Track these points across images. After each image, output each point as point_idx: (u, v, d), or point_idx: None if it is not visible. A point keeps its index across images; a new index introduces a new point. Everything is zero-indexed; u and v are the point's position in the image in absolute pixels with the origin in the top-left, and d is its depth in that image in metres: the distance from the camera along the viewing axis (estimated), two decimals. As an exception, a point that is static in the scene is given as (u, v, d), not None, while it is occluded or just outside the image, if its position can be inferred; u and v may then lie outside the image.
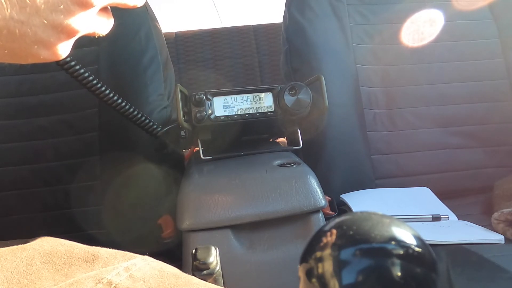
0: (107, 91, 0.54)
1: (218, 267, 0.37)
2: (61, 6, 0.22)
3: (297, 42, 0.82)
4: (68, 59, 0.50)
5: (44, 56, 0.24)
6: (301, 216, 0.49)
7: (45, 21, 0.22)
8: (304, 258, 0.20)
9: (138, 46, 0.70)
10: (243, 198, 0.48)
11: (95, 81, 0.53)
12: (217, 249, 0.38)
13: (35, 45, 0.23)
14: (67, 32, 0.23)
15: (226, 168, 0.56)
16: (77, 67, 0.51)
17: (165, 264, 0.33)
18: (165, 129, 0.60)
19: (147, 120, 0.59)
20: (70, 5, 0.22)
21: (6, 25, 0.21)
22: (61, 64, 0.49)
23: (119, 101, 0.56)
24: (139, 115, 0.58)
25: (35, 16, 0.21)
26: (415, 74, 0.84)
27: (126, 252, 0.34)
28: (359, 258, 0.18)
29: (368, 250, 0.18)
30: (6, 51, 0.23)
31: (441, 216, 0.67)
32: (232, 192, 0.49)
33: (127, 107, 0.57)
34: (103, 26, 0.26)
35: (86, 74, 0.52)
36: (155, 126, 0.60)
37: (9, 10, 0.21)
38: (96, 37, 0.27)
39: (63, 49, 0.24)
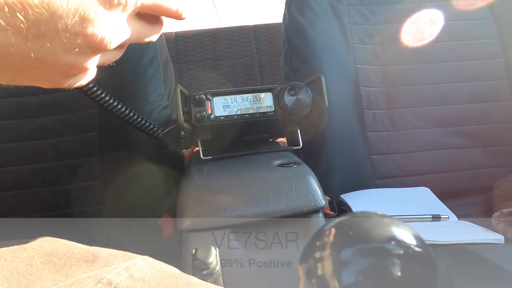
0: (103, 95, 0.54)
1: (218, 267, 0.37)
2: (76, 50, 0.22)
3: (297, 42, 0.82)
4: None
5: (47, 84, 0.25)
6: (301, 216, 0.49)
7: (58, 60, 0.23)
8: (304, 258, 0.20)
9: (138, 46, 0.70)
10: (243, 198, 0.48)
11: (90, 85, 0.52)
12: (217, 249, 0.38)
13: (41, 77, 0.24)
14: (76, 70, 0.24)
15: (226, 168, 0.56)
16: None
17: (165, 264, 0.34)
18: (165, 131, 0.60)
19: (147, 123, 0.59)
20: (85, 49, 0.23)
21: (21, 61, 0.22)
22: None
23: (115, 103, 0.55)
24: (139, 118, 0.58)
25: (49, 55, 0.22)
26: (415, 74, 0.84)
27: (126, 252, 0.34)
28: (359, 258, 0.18)
29: (368, 250, 0.18)
30: (11, 79, 0.23)
31: (441, 216, 0.67)
32: (232, 192, 0.49)
33: (127, 111, 0.57)
34: (112, 59, 0.27)
35: None
36: (155, 129, 0.60)
37: (27, 50, 0.21)
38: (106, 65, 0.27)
39: (69, 82, 0.25)
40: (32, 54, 0.21)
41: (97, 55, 0.24)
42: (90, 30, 0.22)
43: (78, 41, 0.22)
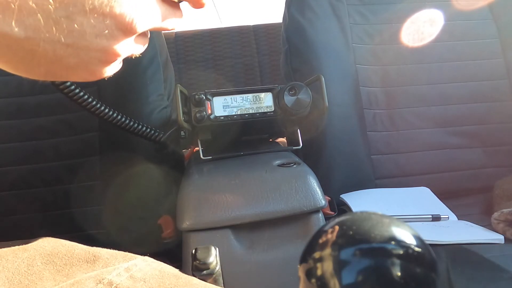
0: (102, 107, 0.54)
1: (218, 267, 0.37)
2: (106, 31, 0.22)
3: (297, 42, 0.82)
4: (69, 83, 0.50)
5: (84, 77, 0.25)
6: (301, 216, 0.49)
7: (90, 45, 0.22)
8: (304, 258, 0.20)
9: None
10: (243, 198, 0.48)
11: (89, 99, 0.53)
12: (217, 249, 0.38)
13: (77, 67, 0.23)
14: (110, 56, 0.24)
15: (226, 168, 0.56)
16: (73, 87, 0.51)
17: (166, 264, 0.34)
18: (166, 134, 0.60)
19: (148, 129, 0.60)
20: (115, 31, 0.23)
21: (53, 48, 0.22)
22: (56, 85, 0.49)
23: (114, 114, 0.56)
24: (140, 126, 0.58)
25: (80, 40, 0.22)
26: (415, 74, 0.84)
27: (126, 253, 0.34)
28: (359, 258, 0.18)
29: (368, 250, 0.18)
30: (47, 71, 0.23)
31: (441, 216, 0.67)
32: (232, 192, 0.49)
33: (128, 120, 0.57)
34: (140, 48, 0.27)
35: (81, 94, 0.52)
36: (156, 134, 0.60)
37: (57, 34, 0.21)
38: (133, 57, 0.27)
39: (104, 71, 0.25)
40: (62, 39, 0.21)
41: (127, 38, 0.24)
42: (118, 10, 0.22)
43: (107, 22, 0.22)
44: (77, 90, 0.51)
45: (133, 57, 0.27)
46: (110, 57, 0.24)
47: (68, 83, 0.50)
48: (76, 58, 0.23)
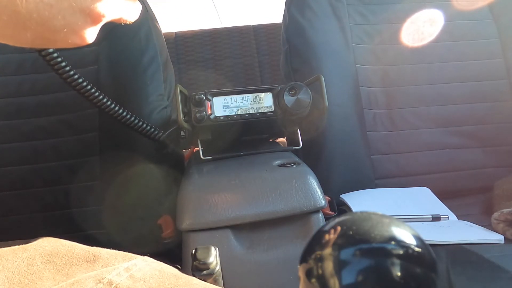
0: (105, 99, 0.54)
1: (218, 267, 0.37)
2: None
3: (297, 42, 0.82)
4: (72, 72, 0.50)
5: (72, 40, 0.25)
6: (301, 216, 0.49)
7: (73, 4, 0.23)
8: (304, 258, 0.20)
9: (138, 46, 0.70)
10: (243, 198, 0.48)
11: (97, 93, 0.53)
12: (217, 249, 0.38)
13: (64, 29, 0.23)
14: (94, 16, 0.24)
15: (226, 168, 0.56)
16: (81, 80, 0.51)
17: (166, 264, 0.34)
18: (166, 133, 0.60)
19: (148, 127, 0.60)
20: None
21: (36, 8, 0.22)
22: (60, 73, 0.49)
23: (116, 108, 0.56)
24: (140, 122, 0.58)
25: (63, 0, 0.22)
26: (415, 74, 0.84)
27: (126, 253, 0.34)
28: (359, 258, 0.18)
29: (368, 250, 0.18)
30: (34, 36, 0.23)
31: (441, 216, 0.67)
32: (232, 192, 0.49)
33: (128, 115, 0.57)
34: (129, 12, 0.27)
35: (89, 87, 0.52)
36: (156, 132, 0.60)
37: None
38: (122, 24, 0.27)
39: (90, 34, 0.25)
40: None
41: None
42: None
43: None
44: (59, 59, 0.49)
45: (123, 24, 0.27)
46: (94, 18, 0.24)
47: (55, 54, 0.49)
48: (62, 20, 0.23)
